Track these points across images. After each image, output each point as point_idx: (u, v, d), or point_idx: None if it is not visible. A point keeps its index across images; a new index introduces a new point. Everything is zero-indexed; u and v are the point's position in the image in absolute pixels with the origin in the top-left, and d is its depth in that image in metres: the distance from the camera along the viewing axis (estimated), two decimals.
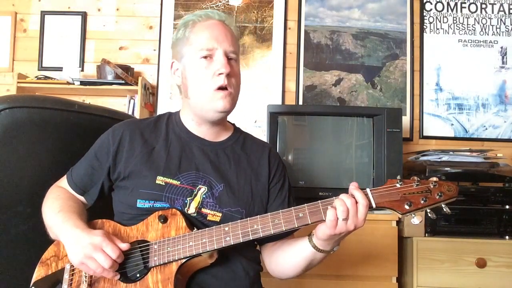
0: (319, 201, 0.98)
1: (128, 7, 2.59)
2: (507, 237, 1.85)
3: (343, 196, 0.95)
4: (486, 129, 2.48)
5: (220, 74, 1.08)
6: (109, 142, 1.13)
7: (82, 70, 2.52)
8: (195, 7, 2.55)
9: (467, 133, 2.48)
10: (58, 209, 1.06)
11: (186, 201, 1.07)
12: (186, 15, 1.13)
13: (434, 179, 0.96)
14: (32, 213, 1.15)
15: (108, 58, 2.39)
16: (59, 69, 2.43)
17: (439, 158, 2.01)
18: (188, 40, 1.12)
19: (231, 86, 1.10)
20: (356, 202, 0.94)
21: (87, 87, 2.34)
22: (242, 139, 1.22)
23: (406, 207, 0.94)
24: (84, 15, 2.57)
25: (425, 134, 2.48)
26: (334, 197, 0.97)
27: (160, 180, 1.07)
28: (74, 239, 0.98)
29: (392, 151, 1.96)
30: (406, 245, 1.89)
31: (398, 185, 0.96)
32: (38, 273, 1.07)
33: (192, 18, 1.14)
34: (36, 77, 2.43)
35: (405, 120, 2.43)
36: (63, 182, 1.17)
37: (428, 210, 0.97)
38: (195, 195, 1.08)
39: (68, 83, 2.34)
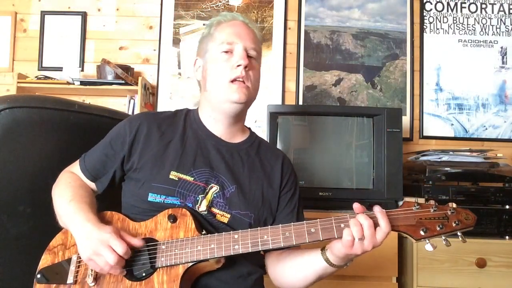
0: (332, 217, 0.96)
1: (128, 7, 2.59)
2: (507, 237, 1.85)
3: (360, 217, 0.93)
4: (486, 129, 2.48)
5: (238, 66, 1.10)
6: (126, 132, 1.13)
7: (82, 70, 2.52)
8: (195, 7, 2.55)
9: (467, 133, 2.48)
10: (69, 198, 1.06)
11: (197, 198, 1.07)
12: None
13: (454, 205, 0.93)
14: (32, 213, 1.15)
15: (108, 58, 2.39)
16: (59, 69, 2.43)
17: (439, 158, 2.01)
18: (212, 36, 1.16)
19: (249, 79, 1.12)
20: (375, 225, 0.92)
21: (87, 87, 2.34)
22: (257, 144, 1.22)
23: (422, 233, 0.92)
24: (84, 15, 2.57)
25: (425, 134, 2.48)
26: (348, 215, 0.95)
27: (173, 175, 1.07)
28: (84, 233, 0.98)
29: (392, 151, 1.96)
30: (406, 245, 1.89)
31: (414, 209, 0.93)
32: (45, 260, 1.07)
33: (218, 19, 1.19)
34: (36, 77, 2.43)
35: (405, 120, 2.44)
36: (75, 167, 1.17)
37: (443, 237, 0.94)
38: (207, 193, 1.08)
39: (68, 83, 2.34)
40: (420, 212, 0.93)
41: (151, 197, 1.06)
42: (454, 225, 0.92)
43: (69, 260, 1.05)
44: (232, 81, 1.10)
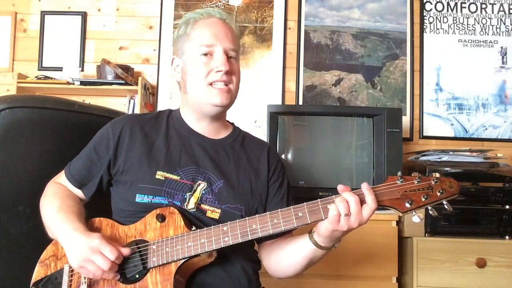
0: (318, 200, 0.97)
1: (128, 7, 2.59)
2: (507, 237, 1.85)
3: (346, 194, 0.93)
4: (486, 129, 2.48)
5: (218, 71, 1.10)
6: (109, 136, 1.13)
7: (82, 70, 2.51)
8: (195, 7, 2.55)
9: (467, 133, 2.48)
10: (57, 209, 1.06)
11: (185, 196, 1.07)
12: (186, 14, 1.17)
13: (437, 175, 0.93)
14: (32, 213, 1.15)
15: (108, 58, 2.39)
16: (59, 69, 2.43)
17: (439, 158, 2.01)
18: (189, 36, 1.14)
19: (231, 82, 1.13)
20: (362, 202, 0.93)
21: (87, 87, 2.34)
22: (241, 138, 1.23)
23: (407, 205, 0.92)
24: (84, 15, 2.57)
25: (425, 134, 2.48)
26: (333, 196, 0.95)
27: (160, 175, 1.08)
28: (72, 242, 0.98)
29: (392, 151, 1.96)
30: (406, 245, 1.89)
31: (398, 182, 0.94)
32: (38, 273, 1.07)
33: (193, 16, 1.16)
34: (36, 77, 2.43)
35: (405, 120, 2.43)
36: (61, 178, 1.17)
37: (429, 208, 0.94)
38: (195, 190, 1.08)
39: (68, 83, 2.34)
40: (404, 185, 0.93)
41: (139, 198, 1.06)
42: (438, 194, 0.92)
43: (61, 271, 1.05)
44: (210, 84, 1.10)
